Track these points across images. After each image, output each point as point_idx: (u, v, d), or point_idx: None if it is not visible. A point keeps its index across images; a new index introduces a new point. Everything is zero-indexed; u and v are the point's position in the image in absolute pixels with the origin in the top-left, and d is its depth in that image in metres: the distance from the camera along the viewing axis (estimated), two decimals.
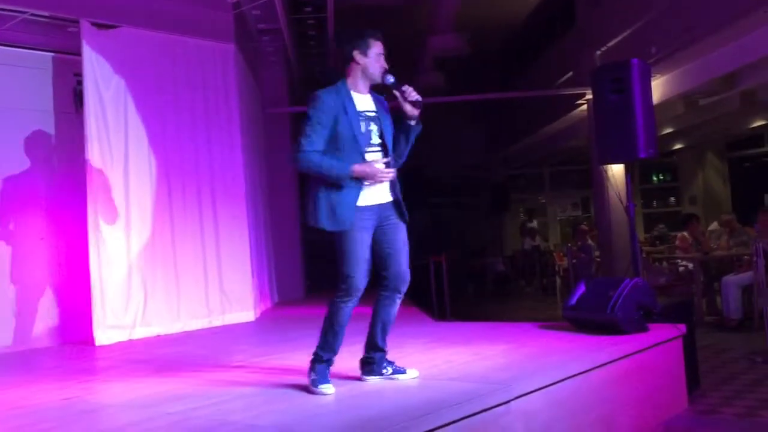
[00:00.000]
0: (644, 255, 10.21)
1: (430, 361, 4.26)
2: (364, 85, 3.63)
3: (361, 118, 3.54)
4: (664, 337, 4.53)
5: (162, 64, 7.19)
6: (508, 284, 15.61)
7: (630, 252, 5.82)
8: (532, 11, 13.91)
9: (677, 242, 9.18)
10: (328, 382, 3.52)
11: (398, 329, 5.79)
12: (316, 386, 3.49)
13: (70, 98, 6.96)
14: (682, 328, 4.65)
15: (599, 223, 11.67)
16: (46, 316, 6.61)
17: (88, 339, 6.36)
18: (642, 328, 4.62)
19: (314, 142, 3.45)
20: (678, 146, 15.03)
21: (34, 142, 6.71)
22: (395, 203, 3.64)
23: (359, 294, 3.52)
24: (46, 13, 6.52)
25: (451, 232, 17.81)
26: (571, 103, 11.71)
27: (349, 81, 3.60)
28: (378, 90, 3.74)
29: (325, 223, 3.47)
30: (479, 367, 3.97)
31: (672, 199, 17.02)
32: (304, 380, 3.62)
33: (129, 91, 6.89)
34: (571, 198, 19.17)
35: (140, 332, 6.66)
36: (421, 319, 7.12)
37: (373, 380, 3.71)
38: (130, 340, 6.51)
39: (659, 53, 8.76)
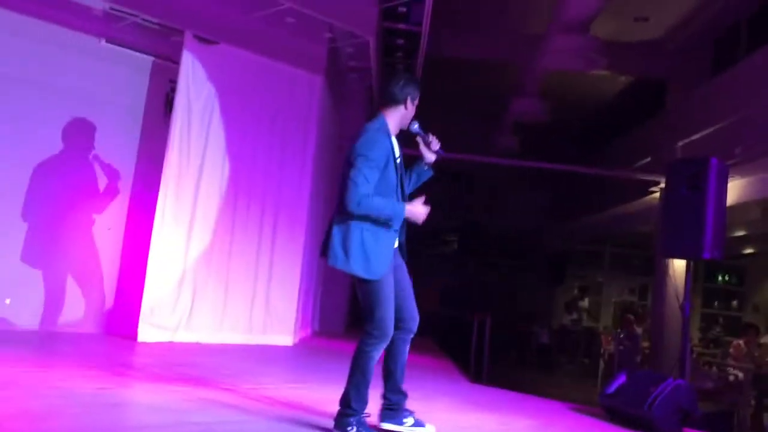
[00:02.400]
0: (694, 356, 9.89)
1: (457, 422, 4.23)
2: (396, 128, 3.65)
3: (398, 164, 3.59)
4: None
5: (252, 84, 7.47)
6: (549, 357, 15.31)
7: (679, 351, 5.67)
8: (622, 90, 13.88)
9: (731, 350, 8.89)
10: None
11: (430, 384, 5.76)
12: None
13: (162, 102, 7.29)
14: None
15: (654, 315, 11.38)
16: (97, 303, 6.84)
17: (131, 334, 6.54)
18: None
19: (372, 184, 3.39)
20: (749, 251, 14.60)
21: (121, 138, 7.03)
22: (401, 247, 3.68)
23: (390, 337, 3.49)
24: (155, 20, 6.89)
25: (501, 292, 17.63)
26: (645, 188, 11.56)
27: (389, 121, 3.61)
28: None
29: (360, 271, 3.42)
30: None
31: (735, 303, 16.45)
32: (328, 418, 3.63)
33: (217, 104, 7.18)
34: (629, 282, 18.75)
35: (182, 336, 6.81)
36: (455, 378, 7.06)
37: (390, 428, 3.66)
38: (171, 342, 6.66)
39: (742, 155, 8.60)
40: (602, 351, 12.31)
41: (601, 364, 12.18)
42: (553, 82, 12.07)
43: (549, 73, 11.47)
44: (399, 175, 3.58)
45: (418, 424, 3.72)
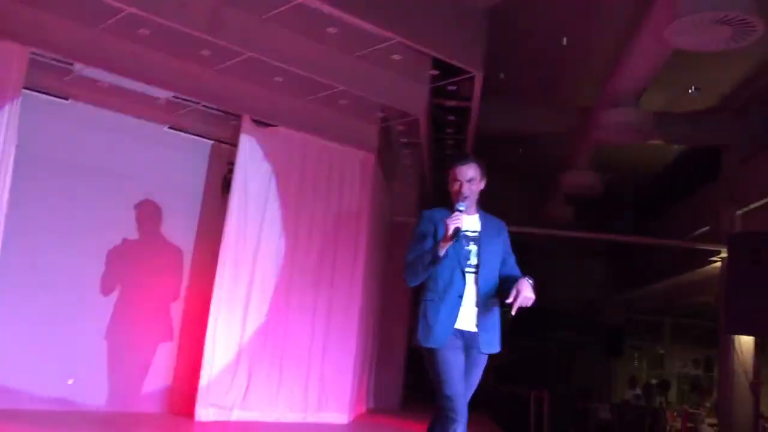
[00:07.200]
0: None
1: None
2: (466, 205, 3.71)
3: (461, 235, 3.57)
4: None
5: (307, 164, 7.66)
6: None
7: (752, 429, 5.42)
8: (675, 159, 13.72)
9: None
10: None
11: None
12: None
13: (219, 183, 7.52)
14: None
15: (721, 391, 10.88)
16: (157, 382, 6.93)
17: (190, 412, 6.57)
18: None
19: (412, 254, 3.66)
20: None
21: (181, 217, 7.27)
22: (487, 341, 3.63)
23: (464, 418, 3.40)
24: (215, 106, 7.19)
25: (557, 367, 17.17)
26: (704, 258, 11.26)
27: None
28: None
29: (421, 340, 3.54)
30: None
31: None
32: None
33: (273, 185, 7.38)
34: (693, 354, 18.04)
35: (238, 415, 6.82)
36: None
37: None
38: (227, 422, 6.67)
39: None
40: (668, 428, 11.77)
41: None
42: (605, 154, 11.99)
43: (600, 145, 11.43)
44: (458, 246, 3.60)
45: None
